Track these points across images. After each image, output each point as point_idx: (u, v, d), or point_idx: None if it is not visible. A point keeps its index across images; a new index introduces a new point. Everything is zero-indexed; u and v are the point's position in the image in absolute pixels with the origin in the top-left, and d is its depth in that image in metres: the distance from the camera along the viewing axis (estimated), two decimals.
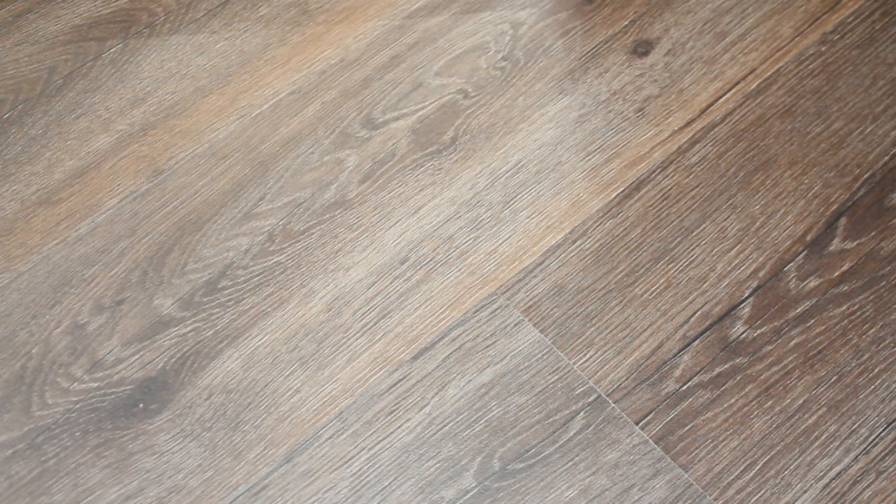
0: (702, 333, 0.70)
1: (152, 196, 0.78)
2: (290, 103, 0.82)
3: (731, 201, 0.75)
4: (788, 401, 0.67)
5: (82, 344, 0.72)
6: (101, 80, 0.84)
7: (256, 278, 0.74)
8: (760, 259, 0.72)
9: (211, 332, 0.72)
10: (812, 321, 0.70)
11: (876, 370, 0.68)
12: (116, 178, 0.79)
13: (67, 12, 0.88)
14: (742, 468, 0.65)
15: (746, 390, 0.68)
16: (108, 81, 0.84)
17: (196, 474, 0.67)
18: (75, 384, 0.70)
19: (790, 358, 0.69)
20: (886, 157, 0.76)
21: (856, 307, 0.70)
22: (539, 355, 0.69)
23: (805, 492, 0.64)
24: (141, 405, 0.69)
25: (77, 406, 0.69)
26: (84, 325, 0.73)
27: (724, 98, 0.79)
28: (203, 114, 0.82)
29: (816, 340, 0.69)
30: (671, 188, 0.76)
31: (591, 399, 0.68)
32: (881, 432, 0.66)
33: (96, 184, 0.79)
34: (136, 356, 0.71)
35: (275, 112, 0.81)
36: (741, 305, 0.71)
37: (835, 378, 0.68)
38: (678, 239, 0.73)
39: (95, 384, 0.70)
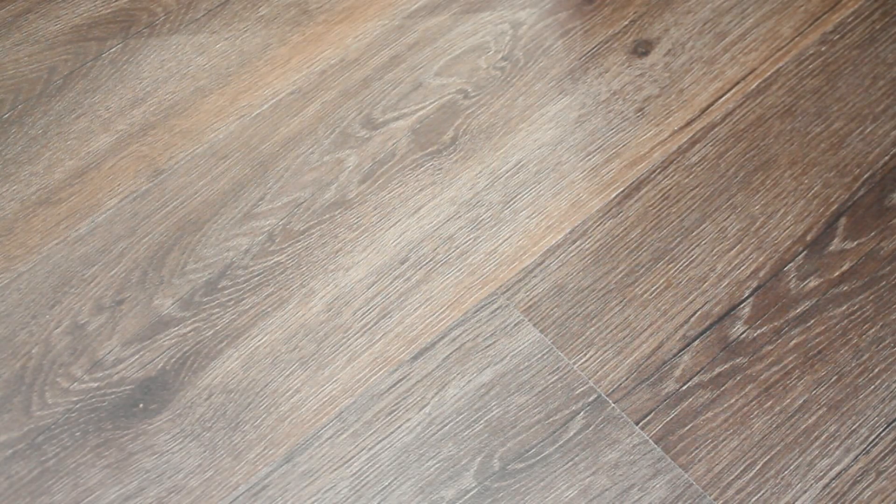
0: (702, 333, 0.70)
1: (152, 196, 0.78)
2: (290, 103, 0.82)
3: (731, 201, 0.75)
4: (788, 401, 0.67)
5: (82, 344, 0.72)
6: (101, 80, 0.84)
7: (256, 278, 0.74)
8: (760, 259, 0.72)
9: (211, 332, 0.72)
10: (812, 321, 0.70)
11: (876, 370, 0.68)
12: (116, 178, 0.79)
13: (67, 12, 0.88)
14: (742, 468, 0.65)
15: (746, 390, 0.68)
16: (108, 81, 0.84)
17: (196, 474, 0.67)
18: (75, 384, 0.70)
19: (790, 358, 0.69)
20: (886, 157, 0.76)
21: (856, 307, 0.70)
22: (539, 355, 0.69)
23: (805, 492, 0.64)
24: (141, 405, 0.69)
25: (77, 406, 0.69)
26: (84, 325, 0.73)
27: (724, 98, 0.79)
28: (203, 114, 0.82)
29: (816, 340, 0.69)
30: (671, 188, 0.76)
31: (591, 399, 0.68)
32: (881, 432, 0.66)
33: (96, 184, 0.79)
34: (136, 356, 0.71)
35: (275, 112, 0.81)
36: (741, 305, 0.71)
37: (835, 378, 0.68)
38: (678, 239, 0.73)
39: (95, 384, 0.70)
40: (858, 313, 0.70)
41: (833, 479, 0.64)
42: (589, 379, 0.68)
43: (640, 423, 0.67)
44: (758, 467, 0.65)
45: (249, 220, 0.76)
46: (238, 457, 0.67)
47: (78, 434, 0.68)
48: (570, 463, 0.66)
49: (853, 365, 0.68)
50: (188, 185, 0.78)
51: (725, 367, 0.68)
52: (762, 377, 0.68)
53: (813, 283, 0.71)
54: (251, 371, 0.70)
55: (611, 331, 0.70)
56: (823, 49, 0.81)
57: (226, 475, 0.67)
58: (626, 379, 0.68)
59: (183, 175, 0.79)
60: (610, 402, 0.67)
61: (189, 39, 0.86)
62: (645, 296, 0.71)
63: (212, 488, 0.66)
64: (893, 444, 0.65)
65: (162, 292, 0.74)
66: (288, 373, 0.70)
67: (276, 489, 0.66)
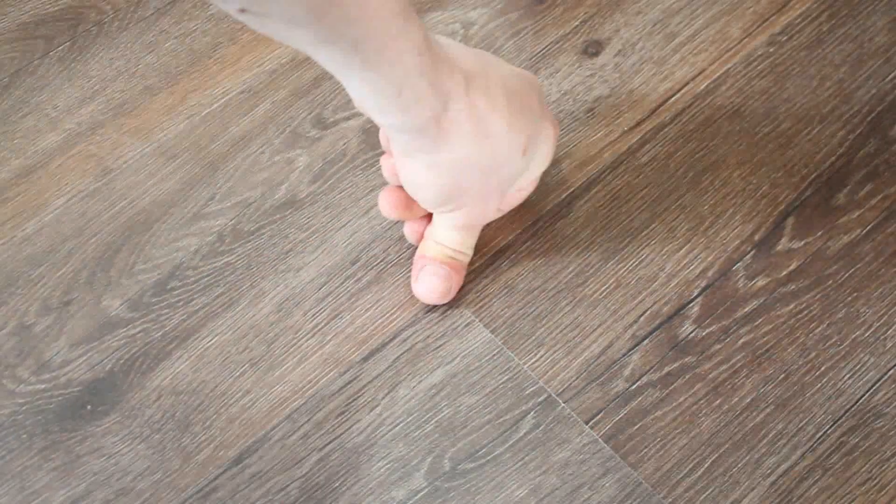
0: (651, 333, 0.70)
1: (101, 195, 0.77)
2: (240, 102, 0.81)
3: (680, 201, 0.75)
4: (736, 399, 0.68)
5: (29, 345, 0.71)
6: (49, 78, 0.83)
7: (206, 279, 0.73)
8: (709, 258, 0.73)
9: (160, 334, 0.71)
10: (760, 320, 0.70)
11: (822, 368, 0.69)
12: (64, 178, 0.78)
13: (14, 10, 0.87)
14: (691, 466, 0.66)
15: (695, 389, 0.68)
16: (55, 80, 0.83)
17: (145, 476, 0.66)
18: (21, 386, 0.69)
19: (738, 357, 0.69)
20: (833, 158, 0.77)
21: (803, 306, 0.71)
22: (489, 356, 0.69)
23: (752, 489, 0.65)
24: (88, 407, 0.69)
25: (23, 408, 0.69)
26: (31, 327, 0.72)
27: (673, 99, 0.80)
28: (152, 113, 0.81)
29: (764, 339, 0.70)
30: (621, 188, 0.76)
31: (541, 399, 0.68)
32: (827, 430, 0.66)
33: (43, 183, 0.78)
34: (84, 357, 0.71)
35: (225, 111, 0.81)
36: (690, 305, 0.71)
37: (782, 376, 0.68)
38: (628, 239, 0.74)
39: (42, 386, 0.69)
40: (805, 312, 0.71)
41: (780, 476, 0.65)
42: (539, 379, 0.69)
43: (590, 423, 0.67)
44: (706, 465, 0.66)
45: (199, 220, 0.76)
46: (187, 459, 0.67)
47: (24, 436, 0.68)
48: (521, 462, 0.66)
49: (800, 363, 0.69)
50: (137, 185, 0.78)
51: (674, 366, 0.69)
52: (711, 376, 0.69)
53: (761, 282, 0.72)
54: (201, 372, 0.70)
55: (561, 331, 0.70)
56: (772, 50, 0.82)
57: (175, 477, 0.66)
58: (576, 378, 0.69)
59: (132, 174, 0.78)
60: (560, 401, 0.68)
61: (138, 38, 0.85)
62: (595, 296, 0.72)
63: (161, 490, 0.66)
64: (839, 441, 0.66)
65: (110, 293, 0.73)
66: (238, 374, 0.70)
67: (225, 491, 0.66)
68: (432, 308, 0.71)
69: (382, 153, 0.78)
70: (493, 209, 0.68)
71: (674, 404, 0.68)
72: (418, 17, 0.57)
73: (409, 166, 0.64)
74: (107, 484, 0.66)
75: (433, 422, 0.67)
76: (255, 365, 0.70)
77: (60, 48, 0.85)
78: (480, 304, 0.71)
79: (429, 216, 0.71)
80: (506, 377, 0.69)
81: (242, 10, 0.50)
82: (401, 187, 0.68)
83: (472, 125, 0.61)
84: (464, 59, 0.62)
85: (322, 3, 0.50)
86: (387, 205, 0.69)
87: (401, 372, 0.69)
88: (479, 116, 0.62)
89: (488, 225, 0.74)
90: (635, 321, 0.71)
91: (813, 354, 0.69)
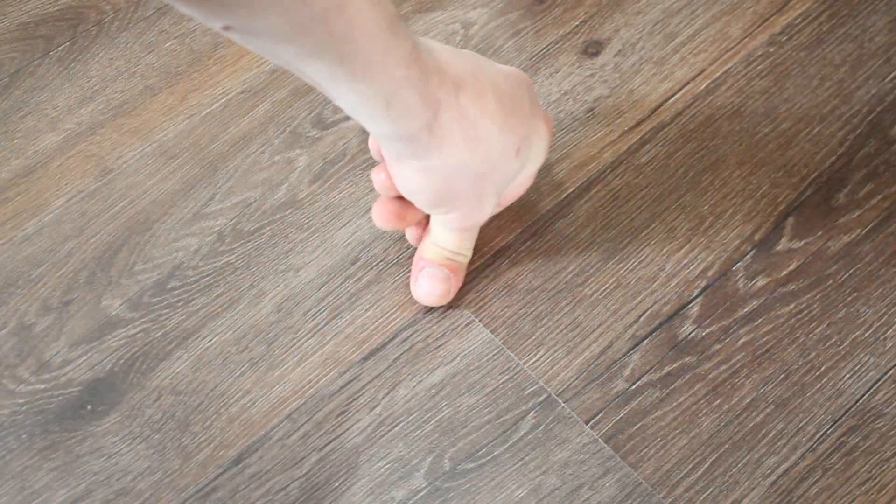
0: (651, 333, 0.70)
1: (101, 195, 0.77)
2: (240, 102, 0.81)
3: (680, 201, 0.75)
4: (736, 399, 0.68)
5: (29, 345, 0.71)
6: (49, 78, 0.83)
7: (206, 279, 0.73)
8: (709, 258, 0.73)
9: (160, 333, 0.71)
10: (760, 320, 0.70)
11: (822, 368, 0.69)
12: (64, 178, 0.78)
13: (14, 9, 0.87)
14: (690, 466, 0.66)
15: (695, 389, 0.68)
16: (55, 80, 0.83)
17: (145, 476, 0.66)
18: (21, 386, 0.69)
19: (738, 357, 0.69)
20: (833, 158, 0.77)
21: (803, 306, 0.71)
22: (489, 355, 0.69)
23: (752, 489, 0.65)
24: (88, 407, 0.69)
25: (23, 408, 0.69)
26: (31, 327, 0.72)
27: (673, 98, 0.80)
28: (152, 113, 0.81)
29: (764, 339, 0.70)
30: (621, 188, 0.76)
31: (541, 399, 0.68)
32: (827, 430, 0.66)
33: (43, 183, 0.78)
34: (84, 357, 0.71)
35: (225, 111, 0.81)
36: (690, 305, 0.71)
37: (782, 376, 0.68)
38: (628, 239, 0.74)
39: (42, 386, 0.69)
40: (805, 312, 0.71)
41: (780, 476, 0.65)
42: (539, 379, 0.69)
43: (590, 423, 0.67)
44: (706, 465, 0.66)
45: (199, 220, 0.76)
46: (188, 458, 0.67)
47: (24, 436, 0.68)
48: (521, 462, 0.66)
49: (800, 363, 0.69)
50: (137, 185, 0.78)
51: (674, 366, 0.69)
52: (711, 376, 0.69)
53: (761, 282, 0.72)
54: (201, 372, 0.70)
55: (561, 330, 0.70)
56: (772, 50, 0.82)
57: (175, 477, 0.66)
58: (576, 378, 0.69)
59: (132, 174, 0.78)
60: (560, 401, 0.68)
61: (138, 38, 0.85)
62: (595, 296, 0.72)
63: (161, 490, 0.66)
64: (839, 441, 0.66)
65: (110, 293, 0.73)
66: (238, 374, 0.70)
67: (225, 491, 0.66)
68: (432, 308, 0.71)
69: None
70: (490, 209, 0.68)
71: (674, 404, 0.68)
72: (407, 28, 0.56)
73: (403, 172, 0.64)
74: (107, 484, 0.66)
75: (433, 422, 0.67)
76: (255, 365, 0.70)
77: (60, 48, 0.85)
78: (480, 304, 0.71)
79: (427, 219, 0.71)
80: (506, 377, 0.69)
81: (227, 28, 0.50)
82: (392, 199, 0.68)
83: (464, 131, 0.61)
84: (453, 66, 0.61)
85: (307, 19, 0.50)
86: (379, 217, 0.69)
87: (401, 372, 0.69)
88: (471, 122, 0.61)
89: (488, 224, 0.74)
90: (635, 321, 0.71)
91: (813, 354, 0.69)
